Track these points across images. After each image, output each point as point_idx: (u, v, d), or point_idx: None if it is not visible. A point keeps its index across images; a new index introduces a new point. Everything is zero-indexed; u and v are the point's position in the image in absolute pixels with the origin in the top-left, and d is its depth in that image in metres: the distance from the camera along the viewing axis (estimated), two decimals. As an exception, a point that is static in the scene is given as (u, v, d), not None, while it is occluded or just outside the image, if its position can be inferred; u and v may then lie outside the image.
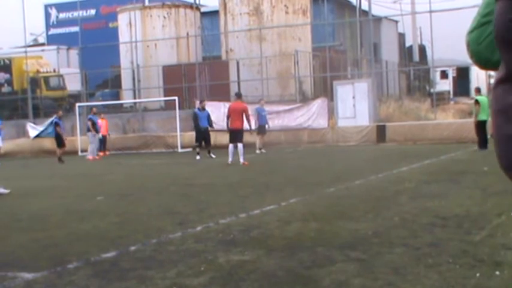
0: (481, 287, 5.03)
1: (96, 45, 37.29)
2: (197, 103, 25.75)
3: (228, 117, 19.27)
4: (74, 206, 11.13)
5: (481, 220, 7.81)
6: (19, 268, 6.34)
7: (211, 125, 24.00)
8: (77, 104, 31.81)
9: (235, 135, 19.04)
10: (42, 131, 32.53)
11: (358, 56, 38.09)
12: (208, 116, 24.10)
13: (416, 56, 51.10)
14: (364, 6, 35.78)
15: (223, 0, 35.08)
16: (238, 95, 20.39)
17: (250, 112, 22.01)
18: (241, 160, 18.83)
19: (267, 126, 25.81)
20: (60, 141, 25.35)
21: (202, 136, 23.63)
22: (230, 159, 19.02)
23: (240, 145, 18.90)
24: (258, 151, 24.71)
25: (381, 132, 26.64)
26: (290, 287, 5.30)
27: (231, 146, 19.14)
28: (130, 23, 37.20)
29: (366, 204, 9.56)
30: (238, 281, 5.50)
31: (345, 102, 27.77)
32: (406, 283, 5.18)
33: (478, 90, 21.36)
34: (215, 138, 27.94)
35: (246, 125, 19.62)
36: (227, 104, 29.56)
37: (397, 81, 42.85)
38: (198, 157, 22.78)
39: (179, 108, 29.35)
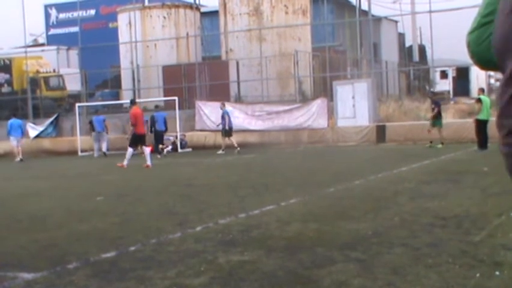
0: None
1: (96, 45, 37.28)
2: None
3: (135, 124, 19.89)
4: (74, 206, 11.13)
5: (480, 220, 7.81)
6: (19, 268, 6.34)
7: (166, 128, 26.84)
8: (77, 104, 31.76)
9: (143, 139, 20.14)
10: (42, 131, 32.53)
11: (358, 56, 38.07)
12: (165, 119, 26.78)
13: (416, 56, 51.06)
14: (364, 6, 35.78)
15: (223, 0, 35.08)
16: (134, 101, 21.41)
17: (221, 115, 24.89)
18: (149, 163, 19.43)
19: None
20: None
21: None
22: (127, 162, 19.51)
23: (147, 149, 19.91)
24: (238, 149, 25.05)
25: (380, 132, 26.63)
26: (290, 287, 5.30)
27: (131, 150, 19.89)
28: (130, 23, 37.20)
29: (366, 205, 9.56)
30: (238, 281, 5.50)
31: (345, 102, 27.74)
32: (405, 283, 5.18)
33: (482, 91, 21.54)
34: (215, 139, 27.97)
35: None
36: (227, 105, 29.64)
37: (397, 81, 42.83)
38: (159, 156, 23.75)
39: (179, 109, 29.37)
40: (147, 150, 19.88)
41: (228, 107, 28.79)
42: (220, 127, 26.14)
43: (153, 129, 26.70)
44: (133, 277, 5.78)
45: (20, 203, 12.17)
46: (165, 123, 26.95)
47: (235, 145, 25.23)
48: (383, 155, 20.53)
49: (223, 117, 25.92)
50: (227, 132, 25.78)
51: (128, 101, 35.56)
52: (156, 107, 32.69)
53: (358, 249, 6.47)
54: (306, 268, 5.82)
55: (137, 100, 34.18)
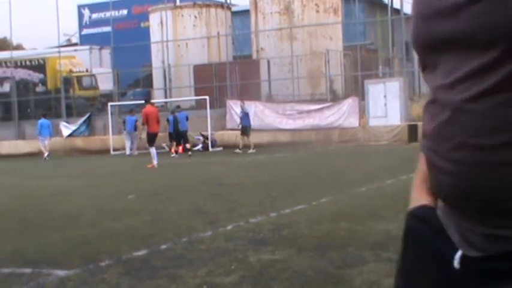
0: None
1: (128, 45, 37.57)
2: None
3: (146, 123, 19.99)
4: (105, 205, 11.23)
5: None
6: (53, 265, 6.42)
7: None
8: (109, 104, 32.06)
9: (155, 138, 20.18)
10: (75, 130, 32.94)
11: (390, 55, 37.79)
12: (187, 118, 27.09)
13: (448, 55, 50.55)
14: (396, 4, 35.53)
15: (254, -1, 35.13)
16: (148, 100, 21.67)
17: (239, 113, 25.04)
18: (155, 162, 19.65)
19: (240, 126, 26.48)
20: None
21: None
22: (155, 161, 19.57)
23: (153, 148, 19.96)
24: (239, 150, 25.08)
25: (412, 131, 26.39)
26: (321, 287, 5.28)
27: (152, 149, 19.81)
28: (161, 23, 37.44)
29: (398, 204, 9.47)
30: (268, 280, 5.50)
31: (376, 101, 27.58)
32: (438, 284, 5.11)
33: None
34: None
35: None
36: (258, 104, 29.68)
37: (429, 80, 42.41)
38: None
39: (210, 108, 29.47)
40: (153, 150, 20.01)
41: (259, 106, 28.86)
42: (240, 126, 26.19)
43: (174, 129, 26.93)
44: (164, 275, 5.82)
45: (52, 201, 12.32)
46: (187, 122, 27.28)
47: (241, 146, 25.33)
48: (415, 155, 20.29)
49: (246, 115, 26.01)
50: (246, 129, 25.78)
51: (160, 100, 36.04)
52: (178, 107, 32.74)
53: (389, 249, 6.41)
54: (337, 267, 5.79)
55: (168, 99, 34.67)
